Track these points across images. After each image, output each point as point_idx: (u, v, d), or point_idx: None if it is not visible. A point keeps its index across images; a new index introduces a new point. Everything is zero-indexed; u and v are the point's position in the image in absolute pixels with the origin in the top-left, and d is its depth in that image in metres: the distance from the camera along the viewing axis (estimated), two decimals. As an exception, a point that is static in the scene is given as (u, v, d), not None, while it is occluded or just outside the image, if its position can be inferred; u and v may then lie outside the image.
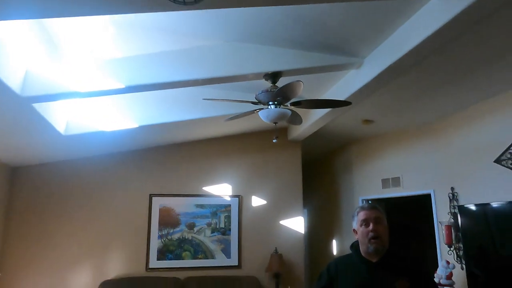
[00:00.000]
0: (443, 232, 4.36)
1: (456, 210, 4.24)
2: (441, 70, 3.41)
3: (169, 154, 5.38)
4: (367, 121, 5.01)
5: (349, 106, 3.86)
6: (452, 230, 4.29)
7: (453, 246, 4.29)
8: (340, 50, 3.27)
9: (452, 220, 4.34)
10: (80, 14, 1.99)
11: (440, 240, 4.59)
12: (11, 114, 3.09)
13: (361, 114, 4.80)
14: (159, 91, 3.54)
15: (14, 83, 2.61)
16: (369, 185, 5.67)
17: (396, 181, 5.27)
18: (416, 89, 3.88)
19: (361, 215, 2.02)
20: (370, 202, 5.56)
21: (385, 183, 5.42)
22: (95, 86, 2.90)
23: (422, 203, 4.97)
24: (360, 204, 5.73)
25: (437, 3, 2.46)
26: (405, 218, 5.61)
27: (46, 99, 2.89)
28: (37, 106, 3.03)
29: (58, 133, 3.68)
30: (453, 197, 4.38)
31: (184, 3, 1.29)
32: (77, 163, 5.01)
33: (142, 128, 4.11)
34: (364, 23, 2.85)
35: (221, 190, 5.47)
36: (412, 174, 5.08)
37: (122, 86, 2.92)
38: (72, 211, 4.92)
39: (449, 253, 4.33)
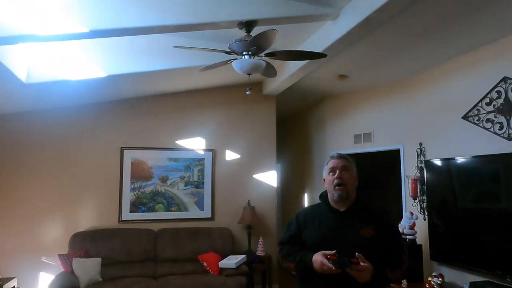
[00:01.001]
0: (409, 185, 4.54)
1: (423, 165, 4.40)
2: (413, 27, 3.38)
3: (141, 106, 5.23)
4: (342, 76, 4.99)
5: (324, 59, 3.82)
6: (418, 184, 4.46)
7: (417, 198, 4.48)
8: (316, 1, 3.16)
9: (419, 174, 4.50)
10: None
11: (405, 193, 4.78)
12: (-35, 58, 2.88)
13: (336, 69, 4.76)
14: (128, 38, 3.36)
15: (-35, 22, 2.40)
16: (342, 140, 5.76)
17: (367, 137, 5.37)
18: (389, 46, 3.85)
19: (330, 163, 2.05)
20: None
21: (357, 138, 5.52)
22: (56, 29, 2.70)
23: (392, 158, 5.11)
24: (332, 159, 5.84)
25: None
26: (375, 173, 5.78)
27: (3, 42, 2.69)
28: (-7, 50, 2.82)
29: (19, 81, 3.47)
30: (421, 152, 4.52)
31: None
32: (43, 114, 4.81)
33: (110, 78, 3.94)
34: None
35: (195, 144, 5.43)
36: (383, 130, 5.18)
37: (86, 30, 2.74)
38: (41, 164, 4.79)
39: (413, 205, 4.54)
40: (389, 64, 4.43)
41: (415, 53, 4.01)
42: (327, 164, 2.08)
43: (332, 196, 2.00)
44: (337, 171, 1.97)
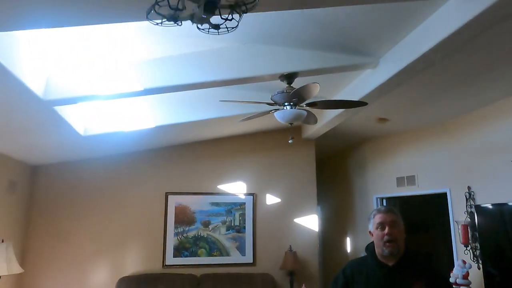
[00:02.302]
0: (460, 231, 4.33)
1: (473, 209, 4.21)
2: (458, 68, 3.38)
3: (185, 153, 5.45)
4: (381, 119, 4.98)
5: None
6: (469, 230, 4.25)
7: (469, 245, 4.26)
8: (356, 50, 3.26)
9: (469, 220, 4.30)
10: (94, 23, 2.04)
11: (456, 239, 4.55)
12: (33, 116, 3.18)
13: (376, 112, 4.77)
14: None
15: (37, 87, 2.68)
16: (384, 183, 5.64)
17: (411, 180, 5.23)
18: (432, 87, 3.85)
19: (377, 218, 2.02)
20: (384, 203, 5.55)
21: (400, 181, 5.39)
22: (113, 89, 2.96)
23: (438, 202, 4.93)
24: (375, 203, 5.72)
25: (454, 4, 2.44)
26: (421, 217, 5.57)
27: (67, 102, 2.97)
28: (58, 108, 3.11)
29: (78, 134, 3.76)
30: (470, 196, 4.34)
31: (218, 33, 1.31)
32: (95, 162, 5.12)
33: (159, 128, 4.18)
34: (380, 23, 2.84)
35: (236, 188, 5.52)
36: (427, 173, 5.04)
37: (141, 88, 2.97)
38: (91, 209, 5.03)
39: (466, 253, 4.30)
40: (431, 106, 4.40)
41: (458, 95, 3.97)
42: (373, 217, 2.05)
43: (381, 251, 1.97)
44: (387, 227, 1.95)
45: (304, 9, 2.63)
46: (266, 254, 5.39)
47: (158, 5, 1.13)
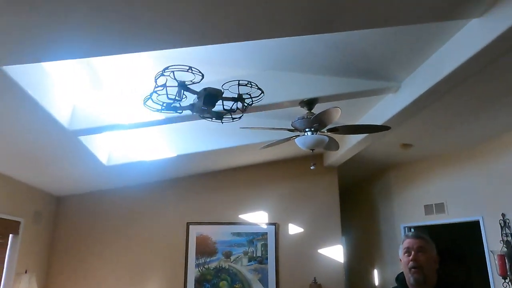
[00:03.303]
0: (496, 262, 4.07)
1: (509, 238, 3.97)
2: (484, 90, 3.29)
3: (206, 181, 5.43)
4: (405, 145, 4.86)
5: (387, 130, 3.78)
6: (506, 260, 3.99)
7: (508, 277, 3.98)
8: (376, 74, 3.23)
9: (505, 249, 4.05)
10: (124, 52, 2.10)
11: (492, 270, 4.28)
12: (58, 146, 3.26)
13: (399, 138, 4.67)
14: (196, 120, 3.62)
15: (63, 117, 2.76)
16: (411, 211, 5.43)
17: (440, 208, 5.02)
18: (457, 111, 3.75)
19: (405, 243, 1.92)
20: (412, 229, 5.32)
21: (428, 209, 5.18)
22: (136, 118, 3.01)
23: (471, 231, 4.69)
24: (402, 232, 5.49)
25: (476, 25, 2.40)
26: (453, 246, 5.30)
27: (91, 132, 3.03)
28: (82, 138, 3.17)
29: (101, 164, 3.82)
30: (505, 224, 4.11)
31: (222, 123, 1.29)
32: (118, 192, 5.16)
33: (180, 157, 4.20)
34: (401, 47, 2.82)
35: (258, 217, 5.42)
36: (457, 200, 4.83)
37: (162, 117, 3.01)
38: (112, 239, 5.03)
39: (504, 285, 4.02)
40: (457, 130, 4.27)
41: (486, 118, 3.85)
42: (402, 243, 1.95)
43: (408, 279, 1.85)
44: (412, 253, 1.84)
45: (322, 34, 2.65)
46: (289, 287, 5.19)
47: (157, 93, 1.12)
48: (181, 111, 1.19)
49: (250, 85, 1.16)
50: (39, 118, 2.59)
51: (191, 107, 1.16)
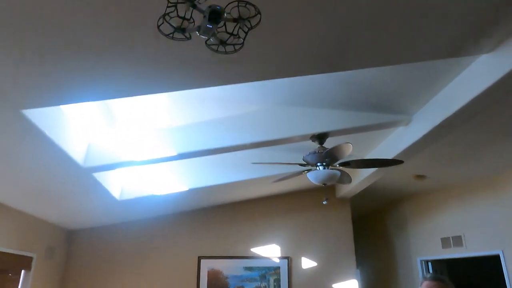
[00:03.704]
0: (519, 299, 3.90)
1: (532, 274, 3.81)
2: (493, 125, 3.26)
3: (218, 215, 5.40)
4: (419, 176, 4.80)
5: (400, 164, 3.75)
6: (530, 297, 3.82)
7: (533, 316, 3.80)
8: (387, 108, 3.24)
9: (529, 286, 3.88)
10: (141, 94, 2.16)
11: (516, 308, 4.09)
12: (72, 183, 3.30)
13: (413, 170, 4.62)
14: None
15: (78, 155, 2.81)
16: (428, 244, 5.28)
17: (457, 240, 4.88)
18: (471, 142, 3.71)
19: (424, 285, 1.89)
20: (430, 266, 5.16)
21: (445, 242, 5.03)
22: (149, 154, 3.05)
23: (491, 265, 4.52)
24: (419, 266, 5.32)
25: (485, 61, 2.41)
26: (472, 282, 5.10)
27: (105, 168, 3.07)
28: (96, 174, 3.21)
29: (114, 199, 3.84)
30: (527, 258, 3.96)
31: (226, 52, 1.36)
32: (129, 225, 5.15)
33: (192, 191, 4.20)
34: (411, 81, 2.84)
35: (270, 251, 5.33)
36: (476, 233, 4.69)
37: (175, 153, 3.04)
38: (124, 272, 4.97)
39: (530, 325, 3.83)
40: (473, 162, 4.21)
41: (502, 149, 3.79)
42: (420, 285, 1.91)
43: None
44: (431, 296, 1.79)
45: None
46: (304, 324, 5.03)
47: (169, 16, 1.20)
48: (189, 35, 1.26)
49: (244, 5, 1.23)
50: (55, 157, 2.64)
51: (198, 28, 1.23)
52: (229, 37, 1.29)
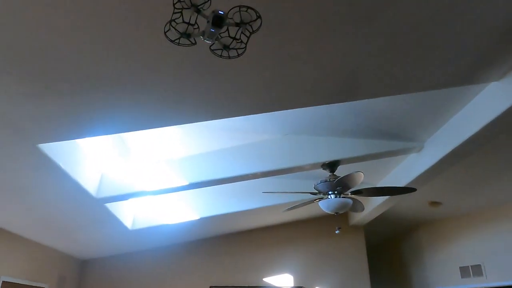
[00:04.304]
0: (546, 333, 3.71)
1: (558, 306, 3.64)
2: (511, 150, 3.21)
3: (229, 244, 5.34)
4: (434, 203, 4.70)
5: (413, 191, 3.69)
6: (557, 331, 3.63)
7: None
8: (398, 135, 3.23)
9: (555, 318, 3.70)
10: (154, 127, 2.20)
11: None
12: (85, 213, 3.33)
13: (427, 196, 4.53)
14: (219, 184, 3.65)
15: (91, 186, 2.85)
16: (446, 274, 5.11)
17: (477, 270, 4.71)
18: (488, 167, 3.65)
19: None
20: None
21: (465, 271, 4.87)
22: (161, 185, 3.07)
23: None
24: (438, 296, 5.14)
25: (495, 89, 2.41)
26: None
27: (118, 199, 3.10)
28: (108, 205, 3.24)
29: (126, 228, 3.85)
30: (551, 289, 3.79)
31: (229, 57, 1.39)
32: (141, 254, 5.13)
33: (203, 220, 4.19)
34: (421, 108, 2.83)
35: (282, 281, 5.22)
36: (496, 262, 4.53)
37: (186, 183, 3.06)
38: (135, 305, 4.91)
39: None
40: (491, 187, 4.12)
41: (516, 176, 3.72)
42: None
43: None
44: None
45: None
46: None
47: (175, 22, 1.23)
48: (194, 40, 1.29)
49: (246, 10, 1.25)
50: (69, 189, 2.68)
51: (202, 33, 1.25)
52: (232, 41, 1.33)
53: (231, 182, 3.32)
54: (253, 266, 5.26)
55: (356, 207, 3.50)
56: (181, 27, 1.25)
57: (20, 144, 2.04)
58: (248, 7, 1.24)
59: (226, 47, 1.35)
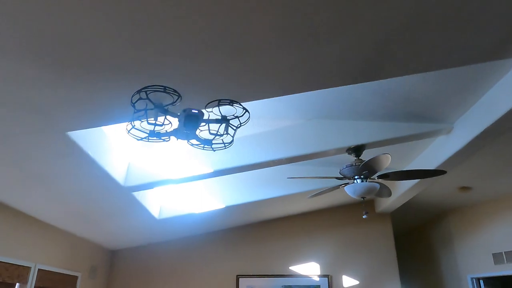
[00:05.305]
0: None
1: None
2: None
3: (255, 232, 5.37)
4: (464, 188, 4.57)
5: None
6: None
7: None
8: (425, 117, 3.14)
9: None
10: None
11: None
12: (113, 202, 3.40)
13: (456, 181, 4.41)
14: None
15: (119, 175, 2.90)
16: (478, 261, 4.97)
17: (511, 256, 4.56)
18: (520, 150, 3.51)
19: None
20: (482, 284, 4.85)
21: (498, 258, 4.72)
22: (186, 172, 3.10)
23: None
24: (470, 284, 5.01)
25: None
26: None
27: (145, 187, 3.14)
28: (136, 194, 3.30)
29: (153, 217, 3.92)
30: None
31: (213, 150, 1.24)
32: (168, 244, 5.22)
33: (228, 209, 4.22)
34: (450, 88, 2.74)
35: (309, 269, 5.21)
36: (530, 247, 4.38)
37: (211, 170, 3.08)
38: (164, 293, 5.02)
39: None
40: (521, 171, 3.97)
41: (552, 157, 3.56)
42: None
43: None
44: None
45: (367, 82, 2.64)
46: None
47: (139, 120, 1.08)
48: (167, 138, 1.14)
49: (231, 104, 1.08)
50: (97, 178, 2.74)
51: (175, 132, 1.10)
52: (214, 137, 1.17)
53: (256, 169, 3.32)
54: (279, 255, 5.27)
55: (383, 192, 3.43)
56: (148, 126, 1.08)
57: (49, 132, 2.09)
58: (231, 101, 1.08)
59: (208, 143, 1.18)
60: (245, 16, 1.45)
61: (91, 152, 2.40)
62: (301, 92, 2.12)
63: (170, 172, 3.12)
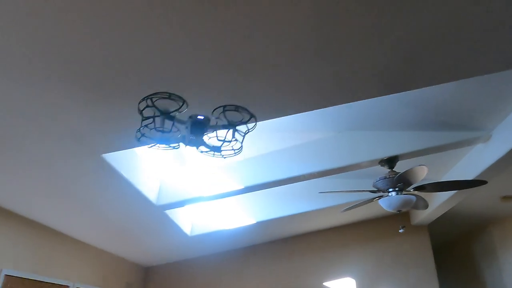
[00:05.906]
0: None
1: None
2: None
3: (287, 248, 5.29)
4: (507, 198, 4.34)
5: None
6: None
7: None
8: (461, 125, 3.02)
9: None
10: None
11: None
12: (147, 220, 3.45)
13: (498, 190, 4.19)
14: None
15: (151, 194, 2.95)
16: (525, 274, 4.68)
17: (562, 269, 4.26)
18: None
19: None
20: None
21: (547, 271, 4.42)
22: (217, 190, 3.11)
23: None
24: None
25: None
26: None
27: (177, 205, 3.18)
28: (168, 212, 3.34)
29: (185, 234, 3.95)
30: None
31: (223, 157, 1.22)
32: (200, 260, 5.23)
33: (260, 224, 4.19)
34: (485, 94, 2.63)
35: (343, 285, 5.06)
36: None
37: (242, 187, 3.07)
38: (197, 310, 5.00)
39: None
40: None
41: None
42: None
43: None
44: None
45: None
46: None
47: (147, 127, 1.07)
48: (176, 145, 1.13)
49: (237, 110, 1.04)
50: (131, 197, 2.79)
51: (183, 139, 1.09)
52: (222, 144, 1.15)
53: (287, 184, 3.29)
54: (312, 270, 5.16)
55: (419, 204, 3.31)
56: (155, 133, 1.09)
57: (85, 155, 2.16)
58: (237, 106, 1.07)
59: (217, 149, 1.17)
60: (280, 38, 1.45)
61: (125, 173, 2.46)
62: (335, 105, 2.10)
63: (201, 189, 3.14)
